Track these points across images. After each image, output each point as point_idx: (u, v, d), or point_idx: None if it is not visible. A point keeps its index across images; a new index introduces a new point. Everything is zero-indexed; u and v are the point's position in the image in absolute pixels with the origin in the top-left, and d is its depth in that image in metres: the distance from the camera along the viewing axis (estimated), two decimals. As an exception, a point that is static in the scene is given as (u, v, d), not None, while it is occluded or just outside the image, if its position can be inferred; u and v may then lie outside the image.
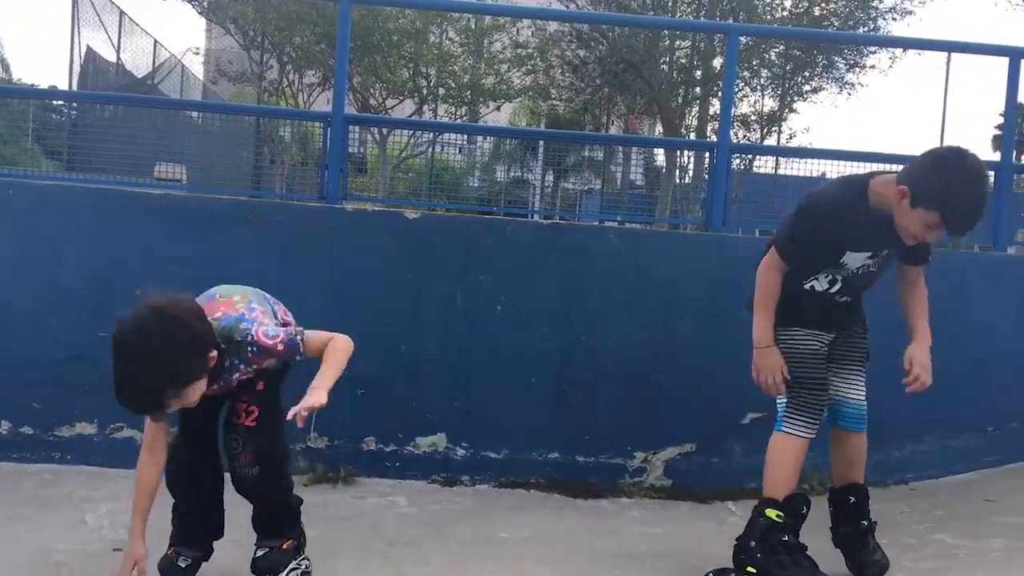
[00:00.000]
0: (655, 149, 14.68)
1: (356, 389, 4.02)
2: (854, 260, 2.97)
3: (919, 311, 3.12)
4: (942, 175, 2.70)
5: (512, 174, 18.53)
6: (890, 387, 4.27)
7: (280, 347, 2.58)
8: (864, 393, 3.18)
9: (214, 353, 2.47)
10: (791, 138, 21.37)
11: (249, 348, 2.56)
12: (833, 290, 3.05)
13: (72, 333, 3.91)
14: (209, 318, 2.52)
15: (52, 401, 3.92)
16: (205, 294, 2.74)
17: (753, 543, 2.98)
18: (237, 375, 2.63)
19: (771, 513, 2.98)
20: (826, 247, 2.96)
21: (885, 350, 4.21)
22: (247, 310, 2.66)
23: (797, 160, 13.59)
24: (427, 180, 13.90)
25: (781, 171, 13.57)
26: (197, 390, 2.46)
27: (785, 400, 3.10)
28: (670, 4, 18.30)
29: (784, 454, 3.05)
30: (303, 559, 2.84)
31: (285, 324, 2.83)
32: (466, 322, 4.10)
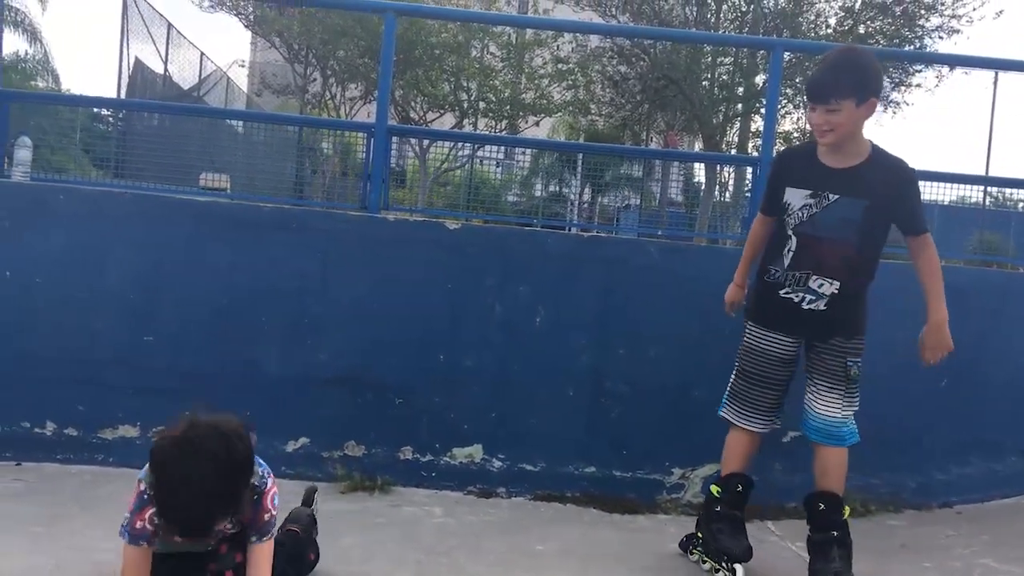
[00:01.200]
0: (695, 165, 14.59)
1: (394, 398, 4.03)
2: (795, 198, 3.09)
3: (930, 289, 3.16)
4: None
5: (550, 188, 18.53)
6: (931, 409, 4.23)
7: (267, 516, 2.36)
8: (833, 409, 3.15)
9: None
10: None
11: (254, 494, 2.32)
12: (786, 262, 3.11)
13: (118, 336, 3.97)
14: None
15: (96, 403, 3.98)
16: None
17: (703, 512, 3.39)
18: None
19: (713, 489, 3.34)
20: (773, 183, 3.21)
21: (923, 375, 4.18)
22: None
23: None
24: (466, 192, 13.95)
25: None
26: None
27: (729, 385, 3.38)
28: (713, 21, 18.24)
29: (729, 441, 3.34)
30: None
31: None
32: (504, 333, 4.09)
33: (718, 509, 3.27)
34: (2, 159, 5.22)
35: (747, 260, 3.47)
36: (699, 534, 3.37)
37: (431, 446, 4.09)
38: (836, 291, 3.07)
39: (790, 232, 3.11)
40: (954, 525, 4.03)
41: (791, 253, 3.11)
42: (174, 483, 2.11)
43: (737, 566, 3.15)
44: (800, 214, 3.09)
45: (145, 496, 2.29)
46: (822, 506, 3.13)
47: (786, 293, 3.14)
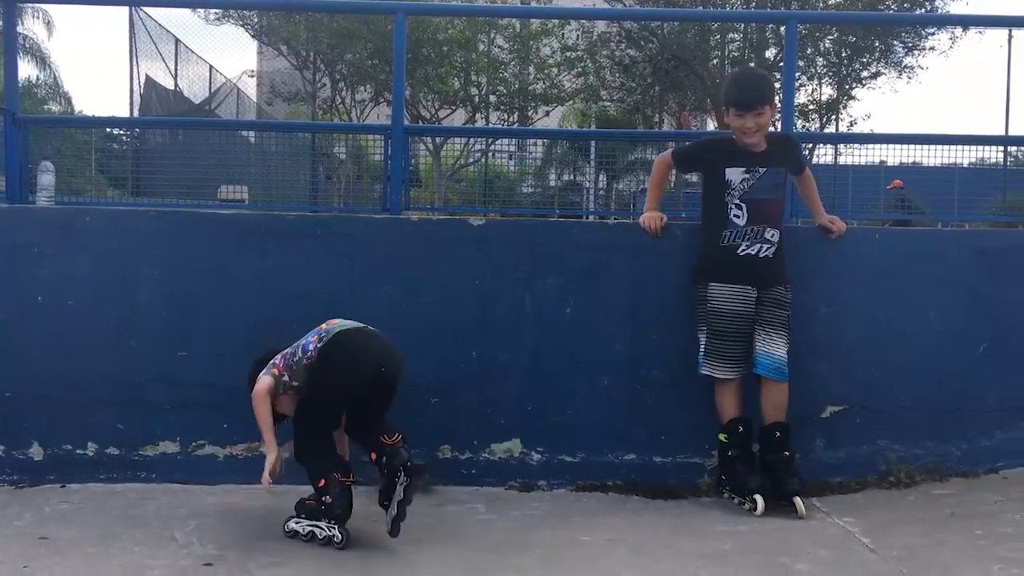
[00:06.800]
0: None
1: (429, 397, 4.03)
2: (735, 176, 3.87)
3: (814, 200, 4.20)
4: (725, 84, 4.43)
5: (564, 178, 18.48)
6: (972, 376, 4.18)
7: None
8: (783, 351, 3.83)
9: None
10: (852, 126, 20.94)
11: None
12: (743, 221, 3.83)
13: (152, 353, 3.99)
14: None
15: (135, 421, 4.00)
16: None
17: (719, 458, 3.96)
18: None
19: (721, 436, 3.90)
20: (708, 163, 4.03)
21: (962, 341, 4.14)
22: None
23: (858, 148, 13.36)
24: (482, 187, 13.93)
25: (841, 160, 13.34)
26: None
27: (703, 347, 3.89)
28: (719, -2, 18.15)
29: (720, 393, 3.91)
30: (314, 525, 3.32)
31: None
32: (536, 326, 4.08)
33: (729, 453, 3.86)
34: (26, 185, 5.26)
35: (657, 192, 4.25)
36: (723, 476, 3.92)
37: (470, 443, 4.09)
38: (778, 239, 3.87)
39: (737, 201, 3.86)
40: (1002, 491, 3.98)
41: (745, 215, 3.84)
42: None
43: (757, 497, 3.73)
44: (742, 186, 3.87)
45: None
46: (778, 433, 3.83)
47: (744, 250, 3.84)
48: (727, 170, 3.89)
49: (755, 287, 3.84)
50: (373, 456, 3.32)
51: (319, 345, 3.36)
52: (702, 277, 3.92)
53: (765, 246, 3.84)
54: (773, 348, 3.84)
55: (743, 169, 3.88)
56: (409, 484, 3.21)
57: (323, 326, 3.48)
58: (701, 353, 3.90)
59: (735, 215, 3.86)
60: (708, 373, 3.88)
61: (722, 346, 3.85)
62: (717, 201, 3.91)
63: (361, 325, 3.49)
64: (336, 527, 3.26)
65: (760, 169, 3.87)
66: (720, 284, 3.85)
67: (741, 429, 3.85)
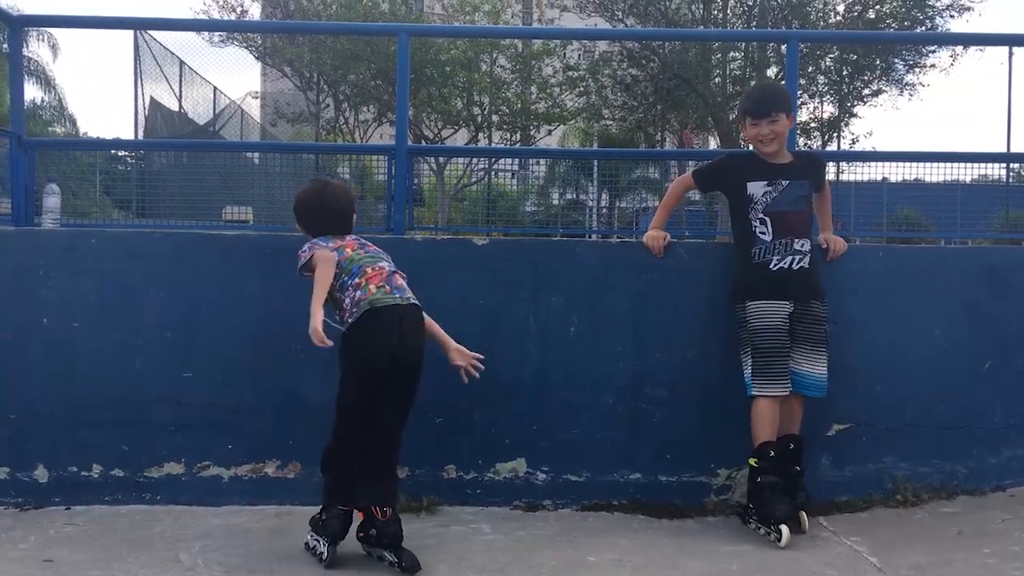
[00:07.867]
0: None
1: (434, 417, 4.03)
2: (757, 189, 3.87)
3: (824, 218, 4.19)
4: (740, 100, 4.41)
5: (567, 196, 18.54)
6: (978, 393, 4.17)
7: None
8: (824, 367, 3.82)
9: None
10: (853, 143, 21.00)
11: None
12: (770, 236, 3.81)
13: (157, 374, 3.99)
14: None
15: (140, 443, 4.00)
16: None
17: (748, 483, 3.79)
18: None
19: (752, 461, 3.75)
20: (729, 179, 4.01)
21: (967, 358, 4.12)
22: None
23: (860, 165, 13.39)
24: (485, 207, 13.97)
25: (843, 177, 13.35)
26: None
27: (750, 367, 3.79)
28: (720, 17, 18.22)
29: (759, 413, 3.75)
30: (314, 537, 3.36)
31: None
32: (540, 344, 4.08)
33: (759, 479, 3.70)
34: (32, 207, 5.28)
35: (667, 212, 4.29)
36: (751, 504, 3.77)
37: (474, 463, 4.08)
38: (809, 249, 3.84)
39: (761, 216, 3.84)
40: (1010, 509, 3.97)
41: (769, 230, 3.83)
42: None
43: (783, 527, 3.56)
44: (764, 200, 3.86)
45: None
46: (792, 446, 3.78)
47: (776, 264, 3.81)
48: (748, 184, 3.89)
49: (792, 301, 3.79)
50: (360, 515, 3.34)
51: (353, 315, 3.29)
52: (740, 297, 3.88)
53: (797, 257, 3.80)
54: (815, 367, 3.81)
55: (765, 183, 3.87)
56: (399, 558, 3.26)
57: (369, 279, 3.38)
58: (748, 374, 3.80)
59: (760, 231, 3.83)
60: (759, 393, 3.75)
61: (769, 363, 3.76)
62: (742, 218, 3.90)
63: (394, 301, 3.36)
64: (326, 545, 3.30)
65: (783, 182, 3.86)
66: (758, 302, 3.81)
67: (773, 453, 3.71)
